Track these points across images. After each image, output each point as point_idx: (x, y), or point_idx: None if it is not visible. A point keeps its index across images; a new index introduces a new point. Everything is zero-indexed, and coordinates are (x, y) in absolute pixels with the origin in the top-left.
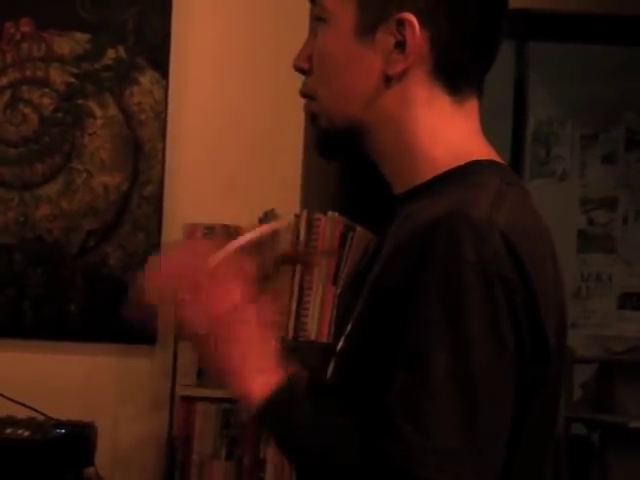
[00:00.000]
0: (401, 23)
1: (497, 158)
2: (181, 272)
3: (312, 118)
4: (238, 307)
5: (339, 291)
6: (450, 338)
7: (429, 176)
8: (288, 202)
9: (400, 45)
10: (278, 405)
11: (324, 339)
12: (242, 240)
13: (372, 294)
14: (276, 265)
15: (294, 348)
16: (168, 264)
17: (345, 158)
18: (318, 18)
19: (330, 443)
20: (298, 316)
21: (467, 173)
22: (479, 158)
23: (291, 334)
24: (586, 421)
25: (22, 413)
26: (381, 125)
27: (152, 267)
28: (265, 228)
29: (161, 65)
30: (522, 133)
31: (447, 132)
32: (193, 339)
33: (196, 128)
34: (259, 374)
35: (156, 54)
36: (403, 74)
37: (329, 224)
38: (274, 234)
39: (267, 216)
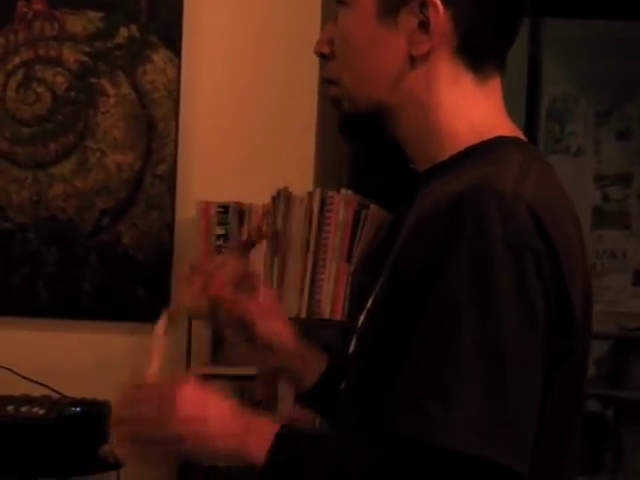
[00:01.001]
0: (424, 4)
1: (521, 135)
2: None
3: (335, 102)
4: (186, 412)
5: (352, 269)
6: (478, 309)
7: (452, 152)
8: (301, 180)
9: (424, 26)
10: (280, 459)
11: (338, 317)
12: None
13: (395, 268)
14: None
15: (308, 327)
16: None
17: (369, 140)
18: (339, 2)
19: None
20: (312, 294)
21: (491, 149)
22: (503, 134)
23: (304, 313)
24: (600, 397)
25: (37, 392)
26: (405, 106)
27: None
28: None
29: (174, 43)
30: (536, 110)
31: (470, 110)
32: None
33: (209, 106)
34: (248, 436)
35: (169, 32)
36: (427, 54)
37: (342, 202)
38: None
39: (280, 194)
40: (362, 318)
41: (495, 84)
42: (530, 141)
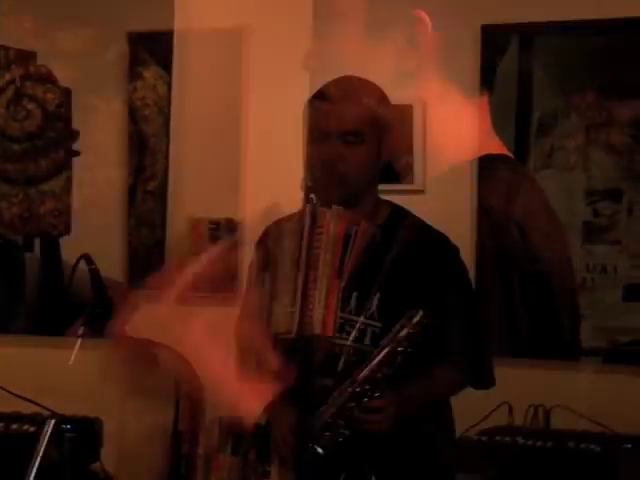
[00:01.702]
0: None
1: (506, 152)
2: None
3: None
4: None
5: (343, 284)
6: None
7: None
8: (291, 196)
9: None
10: None
11: (329, 333)
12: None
13: (391, 286)
14: None
15: (301, 343)
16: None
17: None
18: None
19: None
20: (303, 310)
21: (480, 168)
22: (490, 152)
23: (296, 329)
24: None
25: (28, 409)
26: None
27: None
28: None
29: (164, 60)
30: (527, 124)
31: (458, 126)
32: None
33: (199, 123)
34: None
35: (159, 49)
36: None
37: (333, 218)
38: None
39: (270, 210)
40: (353, 334)
41: (483, 100)
42: (520, 155)
